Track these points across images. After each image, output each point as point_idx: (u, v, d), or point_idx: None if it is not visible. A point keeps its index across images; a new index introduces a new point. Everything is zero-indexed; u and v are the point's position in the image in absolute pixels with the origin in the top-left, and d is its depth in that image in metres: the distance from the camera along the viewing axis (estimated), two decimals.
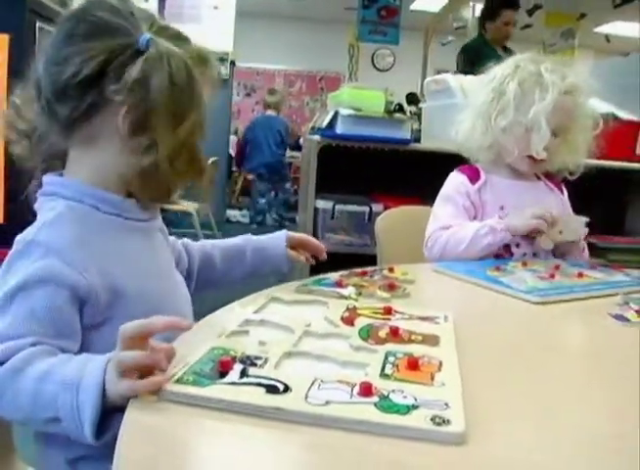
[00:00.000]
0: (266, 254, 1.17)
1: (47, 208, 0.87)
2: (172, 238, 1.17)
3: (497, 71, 1.63)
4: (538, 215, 1.47)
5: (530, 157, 1.58)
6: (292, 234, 1.21)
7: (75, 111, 0.85)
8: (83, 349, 0.80)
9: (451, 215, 1.59)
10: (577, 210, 1.76)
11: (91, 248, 0.84)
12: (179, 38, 0.90)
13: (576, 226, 1.55)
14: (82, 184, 0.89)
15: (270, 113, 7.25)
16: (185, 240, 1.19)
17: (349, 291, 1.06)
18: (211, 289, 1.19)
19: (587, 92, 1.61)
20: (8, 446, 0.97)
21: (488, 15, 4.26)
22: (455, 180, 1.66)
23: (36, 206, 0.90)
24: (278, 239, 1.18)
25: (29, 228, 0.84)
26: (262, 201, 7.28)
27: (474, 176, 1.64)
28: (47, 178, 0.91)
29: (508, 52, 3.84)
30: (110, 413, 0.65)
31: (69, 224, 0.84)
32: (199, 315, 0.94)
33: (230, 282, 1.18)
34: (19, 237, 0.83)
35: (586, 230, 1.56)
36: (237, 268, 1.17)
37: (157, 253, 0.99)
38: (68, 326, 0.79)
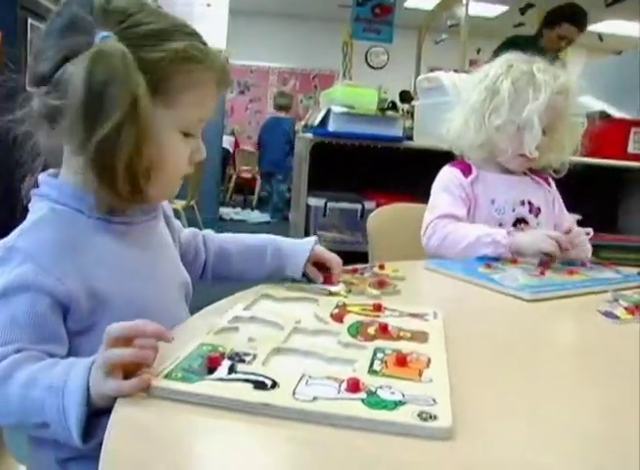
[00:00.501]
0: (284, 262, 1.11)
1: (36, 208, 0.86)
2: (191, 229, 1.16)
3: (489, 70, 1.64)
4: (549, 244, 1.39)
5: (522, 155, 1.60)
6: (318, 250, 1.12)
7: (44, 107, 0.84)
8: (71, 354, 0.79)
9: (449, 204, 1.59)
10: (570, 207, 1.77)
11: (72, 253, 0.82)
12: (157, 34, 0.84)
13: (585, 246, 1.51)
14: (68, 186, 0.87)
15: (279, 114, 7.59)
16: (206, 232, 1.17)
17: (339, 288, 1.06)
18: (228, 282, 1.16)
19: (577, 92, 1.63)
20: (0, 443, 0.97)
21: (548, 21, 3.94)
22: (449, 173, 1.67)
23: (30, 205, 0.88)
24: (301, 251, 1.10)
25: (12, 233, 0.82)
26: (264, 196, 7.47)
27: (466, 170, 1.65)
28: (41, 177, 0.89)
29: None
30: (97, 416, 0.65)
31: (50, 229, 0.82)
32: (198, 309, 0.95)
33: (246, 280, 1.13)
34: (0, 243, 0.81)
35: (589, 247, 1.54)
36: (254, 269, 1.12)
37: (149, 256, 0.95)
38: (51, 331, 0.78)
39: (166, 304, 0.95)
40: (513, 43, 3.83)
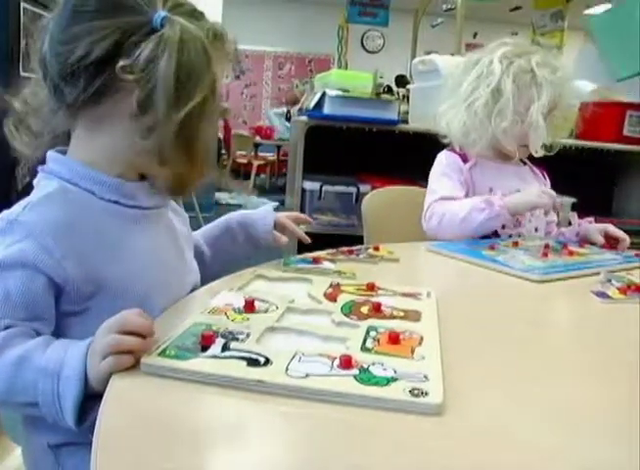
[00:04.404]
0: (255, 234, 1.14)
1: (42, 185, 0.84)
2: None
3: (488, 65, 1.61)
4: (544, 198, 1.47)
5: (524, 146, 1.60)
6: (278, 216, 1.17)
7: (84, 93, 0.81)
8: (60, 333, 0.78)
9: (449, 188, 1.59)
10: (566, 191, 1.77)
11: (76, 235, 0.79)
12: (194, 14, 0.86)
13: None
14: (81, 165, 0.85)
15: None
16: None
17: (329, 265, 1.10)
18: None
19: (571, 81, 1.62)
20: None
21: None
22: (448, 158, 1.66)
23: (35, 181, 0.86)
24: (265, 219, 1.15)
25: (16, 206, 0.80)
26: None
27: (464, 156, 1.64)
28: (51, 154, 0.87)
29: None
30: (90, 399, 0.65)
31: (57, 207, 0.80)
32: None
33: (226, 264, 1.15)
34: (3, 214, 0.79)
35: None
36: (229, 255, 1.15)
37: (158, 244, 0.92)
38: (42, 310, 0.77)
39: (169, 291, 0.91)
40: None
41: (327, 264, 1.11)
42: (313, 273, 1.02)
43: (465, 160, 1.64)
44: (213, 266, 1.13)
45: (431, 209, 1.55)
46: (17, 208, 0.80)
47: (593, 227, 1.56)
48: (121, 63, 0.79)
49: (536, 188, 1.49)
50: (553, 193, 1.48)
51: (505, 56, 1.60)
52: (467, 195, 1.61)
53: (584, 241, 1.54)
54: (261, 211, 1.18)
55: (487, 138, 1.61)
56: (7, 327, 0.72)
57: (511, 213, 1.47)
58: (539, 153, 1.58)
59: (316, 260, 1.12)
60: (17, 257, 0.75)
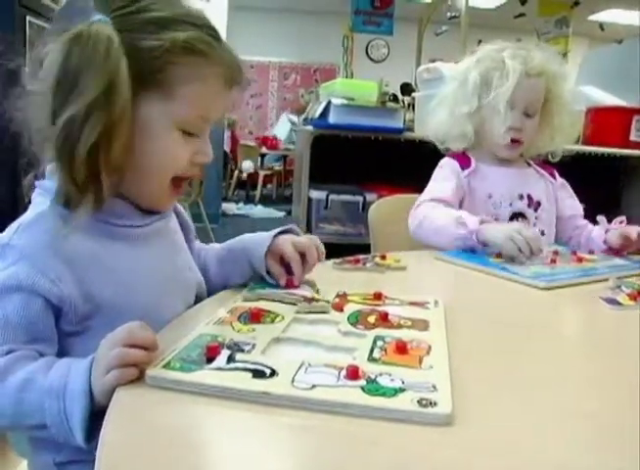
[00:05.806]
0: (251, 259, 1.00)
1: (37, 202, 0.83)
2: None
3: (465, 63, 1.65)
4: (510, 248, 1.30)
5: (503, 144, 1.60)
6: (281, 243, 0.99)
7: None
8: (63, 354, 0.77)
9: (439, 191, 1.59)
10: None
11: (70, 255, 0.77)
12: (164, 23, 0.80)
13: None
14: None
15: None
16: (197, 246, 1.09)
17: (306, 292, 0.94)
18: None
19: (561, 76, 1.62)
20: (2, 436, 0.97)
21: None
22: (447, 164, 1.67)
23: (33, 195, 0.85)
24: (261, 243, 0.99)
25: (8, 229, 0.79)
26: None
27: (464, 163, 1.64)
28: (48, 168, 0.85)
29: None
30: (98, 415, 0.63)
31: (50, 227, 0.78)
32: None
33: (230, 285, 1.04)
34: None
35: None
36: (232, 276, 1.03)
37: (155, 260, 0.89)
38: (42, 331, 0.76)
39: (167, 307, 0.88)
40: None
41: (306, 288, 0.97)
42: (284, 300, 0.91)
43: (464, 166, 1.64)
44: (217, 287, 1.04)
45: (415, 208, 1.55)
46: (9, 231, 0.79)
47: (613, 233, 1.51)
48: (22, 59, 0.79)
49: (512, 229, 1.32)
50: (523, 239, 1.29)
51: (482, 52, 1.64)
52: (462, 202, 1.62)
53: (611, 250, 1.51)
54: (257, 241, 1.01)
55: (458, 130, 1.64)
56: (9, 352, 0.72)
57: (479, 242, 1.37)
58: (505, 139, 1.58)
59: (289, 282, 0.97)
60: (12, 281, 0.74)
